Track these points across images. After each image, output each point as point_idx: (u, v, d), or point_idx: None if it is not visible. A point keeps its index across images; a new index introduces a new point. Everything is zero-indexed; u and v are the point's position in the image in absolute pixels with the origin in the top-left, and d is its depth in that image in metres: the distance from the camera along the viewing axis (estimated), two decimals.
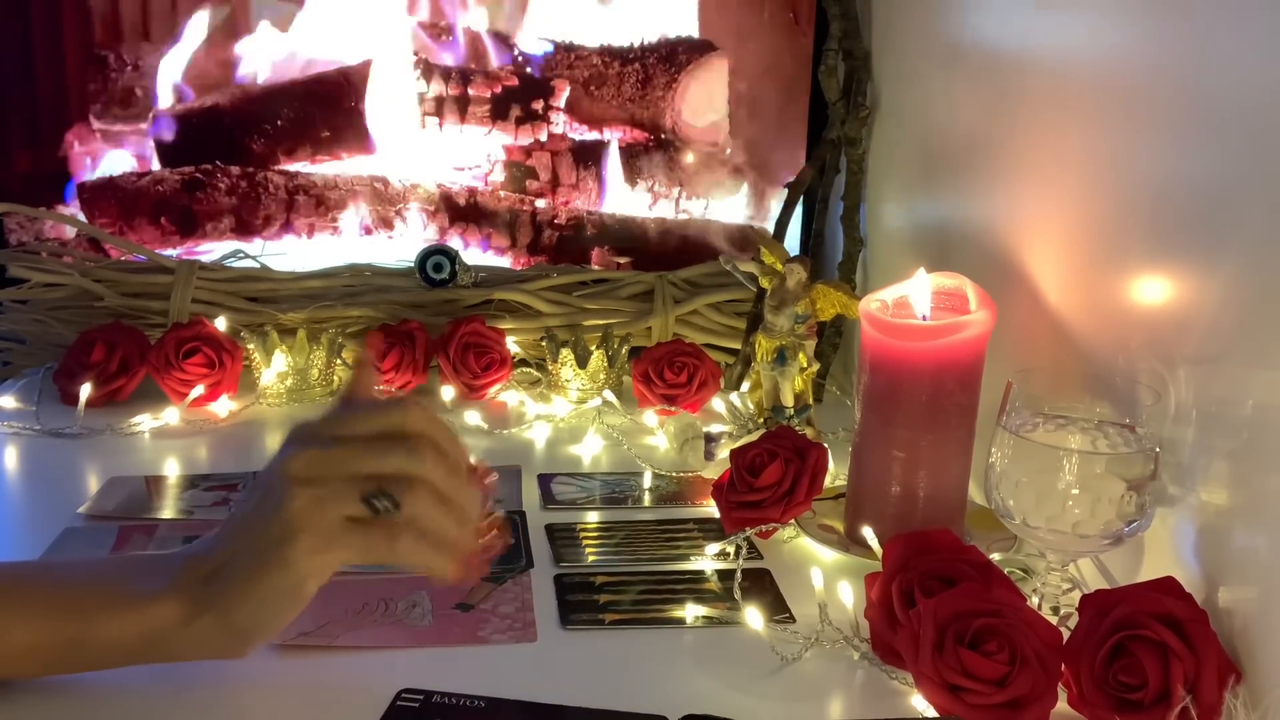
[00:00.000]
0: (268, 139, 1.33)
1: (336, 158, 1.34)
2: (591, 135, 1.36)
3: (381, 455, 0.58)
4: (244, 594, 0.57)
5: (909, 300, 0.81)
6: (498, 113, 1.34)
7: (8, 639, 0.58)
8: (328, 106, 1.33)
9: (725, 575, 0.78)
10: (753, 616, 0.71)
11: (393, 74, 1.33)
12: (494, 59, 1.34)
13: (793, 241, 1.28)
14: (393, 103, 1.33)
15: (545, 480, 0.96)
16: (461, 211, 1.36)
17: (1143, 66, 0.70)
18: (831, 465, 0.87)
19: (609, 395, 1.11)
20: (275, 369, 1.11)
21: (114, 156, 1.32)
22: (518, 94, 1.34)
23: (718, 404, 1.11)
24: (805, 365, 0.97)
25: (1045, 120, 0.84)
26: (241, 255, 1.27)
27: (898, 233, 1.16)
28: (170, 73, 1.31)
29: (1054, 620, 0.67)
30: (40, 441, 1.02)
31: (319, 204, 1.34)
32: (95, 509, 0.87)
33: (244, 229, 1.33)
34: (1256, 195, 0.59)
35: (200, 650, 0.59)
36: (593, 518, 0.89)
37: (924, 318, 0.80)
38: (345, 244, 1.35)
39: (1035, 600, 0.70)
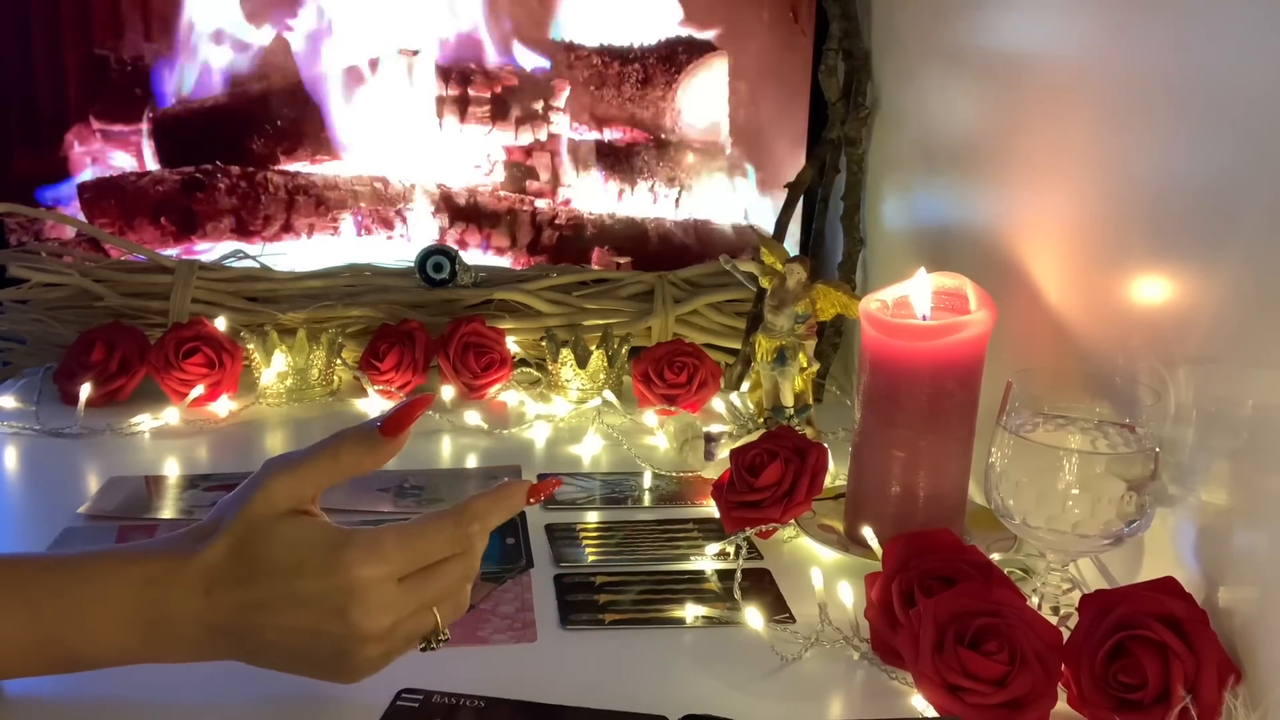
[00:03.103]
0: (268, 139, 1.33)
1: (336, 158, 1.34)
2: (591, 135, 1.36)
3: (439, 579, 0.59)
4: (286, 668, 0.59)
5: (909, 300, 0.81)
6: (498, 113, 1.34)
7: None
8: (327, 107, 1.33)
9: (725, 575, 0.78)
10: (753, 616, 0.71)
11: (393, 74, 1.33)
12: (494, 59, 1.33)
13: (793, 241, 1.28)
14: (393, 103, 1.33)
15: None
16: (461, 211, 1.36)
17: (1143, 66, 0.70)
18: (831, 465, 0.87)
19: (609, 395, 1.11)
20: (275, 369, 1.11)
21: (114, 156, 1.32)
22: (518, 94, 1.34)
23: (718, 404, 1.11)
24: (805, 365, 0.97)
25: (1045, 120, 0.84)
26: (241, 255, 1.27)
27: (898, 233, 1.16)
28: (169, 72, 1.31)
29: (1054, 620, 0.67)
30: (40, 441, 1.02)
31: (319, 204, 1.34)
32: (95, 509, 0.87)
33: (244, 229, 1.33)
34: (1257, 195, 0.58)
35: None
36: (593, 518, 0.89)
37: (924, 318, 0.80)
38: (345, 244, 1.35)
39: (1035, 600, 0.70)
